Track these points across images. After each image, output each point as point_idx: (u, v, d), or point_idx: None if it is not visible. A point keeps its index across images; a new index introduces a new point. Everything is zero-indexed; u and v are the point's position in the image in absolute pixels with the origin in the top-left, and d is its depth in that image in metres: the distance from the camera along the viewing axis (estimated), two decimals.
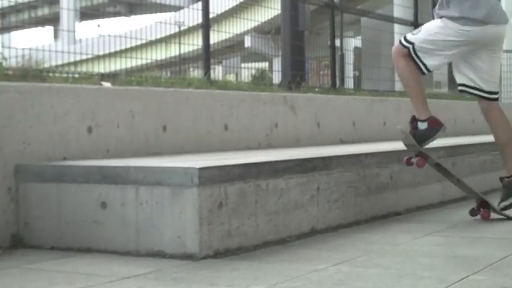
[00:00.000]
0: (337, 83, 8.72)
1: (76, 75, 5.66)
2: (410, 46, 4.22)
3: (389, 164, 4.64)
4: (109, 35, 6.69)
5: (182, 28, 8.12)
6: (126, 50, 6.69)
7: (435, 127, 4.19)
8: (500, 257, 3.17)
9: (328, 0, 8.59)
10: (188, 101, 4.87)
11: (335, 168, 4.11)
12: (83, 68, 6.68)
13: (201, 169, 3.24)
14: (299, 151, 4.81)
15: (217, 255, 3.25)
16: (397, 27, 11.50)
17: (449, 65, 4.50)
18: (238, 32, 8.79)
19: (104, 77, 5.72)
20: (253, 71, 8.61)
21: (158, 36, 7.97)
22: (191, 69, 8.60)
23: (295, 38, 7.50)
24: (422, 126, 4.19)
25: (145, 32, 8.22)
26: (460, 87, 4.37)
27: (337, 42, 9.07)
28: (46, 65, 5.27)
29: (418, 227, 4.15)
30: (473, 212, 4.41)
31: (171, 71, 8.53)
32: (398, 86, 10.90)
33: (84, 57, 6.30)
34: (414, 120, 4.21)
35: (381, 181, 4.53)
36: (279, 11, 7.55)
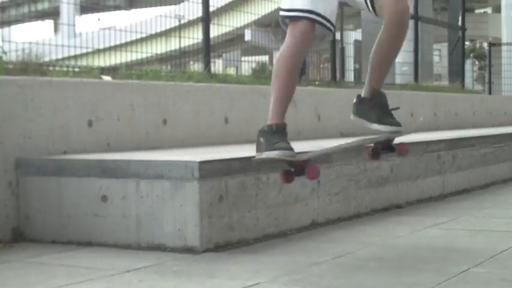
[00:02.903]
0: (338, 76, 8.72)
1: (76, 69, 5.66)
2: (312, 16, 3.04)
3: (390, 157, 4.63)
4: (109, 29, 6.69)
5: (182, 21, 8.11)
6: (126, 44, 6.69)
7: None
8: (500, 249, 3.17)
9: None
10: (188, 94, 4.87)
11: (335, 161, 4.11)
12: (83, 62, 6.68)
13: (202, 162, 3.24)
14: (299, 144, 4.81)
15: (217, 249, 3.25)
16: None
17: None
18: (239, 26, 8.78)
19: (104, 70, 5.72)
20: (254, 65, 8.59)
21: (158, 30, 7.96)
22: (191, 63, 8.59)
23: None
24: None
25: (146, 25, 8.20)
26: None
27: (338, 36, 9.06)
28: (46, 59, 5.27)
29: (419, 219, 4.15)
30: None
31: (171, 65, 8.52)
32: (398, 79, 10.91)
33: (84, 51, 6.30)
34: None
35: (382, 174, 4.53)
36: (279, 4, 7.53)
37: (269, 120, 3.10)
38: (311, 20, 3.06)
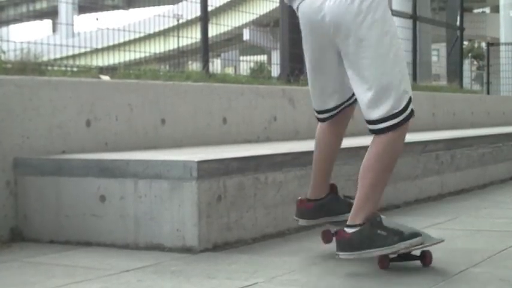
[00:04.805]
0: None
1: (75, 69, 5.67)
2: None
3: None
4: (107, 28, 6.68)
5: (181, 21, 8.11)
6: (124, 43, 6.68)
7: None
8: (499, 249, 3.18)
9: None
10: (187, 94, 4.87)
11: None
12: (82, 62, 6.68)
13: (200, 162, 3.24)
14: (298, 144, 4.81)
15: (216, 249, 3.25)
16: (395, 20, 11.48)
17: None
18: (237, 25, 8.78)
19: (102, 70, 5.72)
20: (252, 64, 8.59)
21: (157, 30, 7.96)
22: (190, 63, 8.59)
23: (294, 30, 7.45)
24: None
25: (144, 25, 8.21)
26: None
27: None
28: (45, 59, 5.27)
29: (417, 219, 4.15)
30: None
31: (170, 64, 8.52)
32: None
33: (82, 50, 6.30)
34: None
35: None
36: (278, 4, 7.54)
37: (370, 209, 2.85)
38: None
